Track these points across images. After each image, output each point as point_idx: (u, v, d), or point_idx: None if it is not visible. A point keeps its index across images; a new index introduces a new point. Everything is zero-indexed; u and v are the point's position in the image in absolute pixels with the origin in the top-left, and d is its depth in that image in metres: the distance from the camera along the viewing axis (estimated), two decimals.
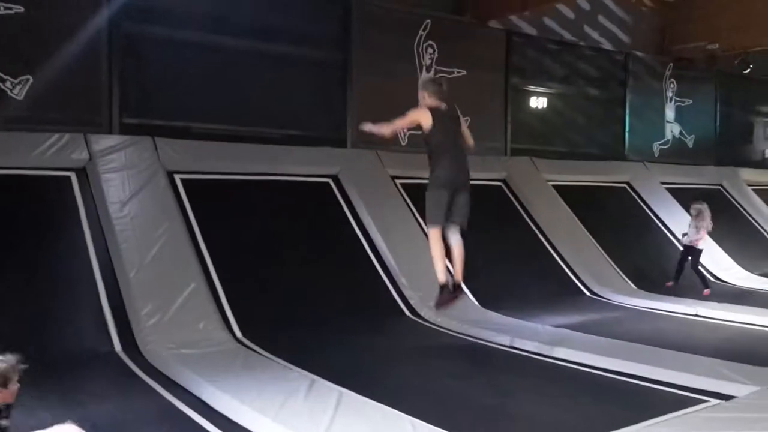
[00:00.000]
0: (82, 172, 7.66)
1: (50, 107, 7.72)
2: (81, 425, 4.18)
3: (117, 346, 6.41)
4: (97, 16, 7.99)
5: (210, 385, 5.16)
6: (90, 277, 6.88)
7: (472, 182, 10.49)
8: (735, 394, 5.14)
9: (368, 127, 5.61)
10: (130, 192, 7.48)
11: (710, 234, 12.05)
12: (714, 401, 5.09)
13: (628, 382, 5.74)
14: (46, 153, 7.47)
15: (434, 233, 5.18)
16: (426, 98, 5.40)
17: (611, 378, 5.87)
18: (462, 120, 5.37)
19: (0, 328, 5.81)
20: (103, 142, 7.83)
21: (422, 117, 5.26)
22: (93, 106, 8.08)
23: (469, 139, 5.74)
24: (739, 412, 4.61)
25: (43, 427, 3.50)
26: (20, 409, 3.73)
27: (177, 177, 8.17)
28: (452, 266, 5.24)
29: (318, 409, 4.68)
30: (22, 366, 3.55)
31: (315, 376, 5.45)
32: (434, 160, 5.34)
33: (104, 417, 4.76)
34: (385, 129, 5.51)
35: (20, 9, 7.52)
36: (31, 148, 7.40)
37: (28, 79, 7.61)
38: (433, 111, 5.31)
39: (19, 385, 3.55)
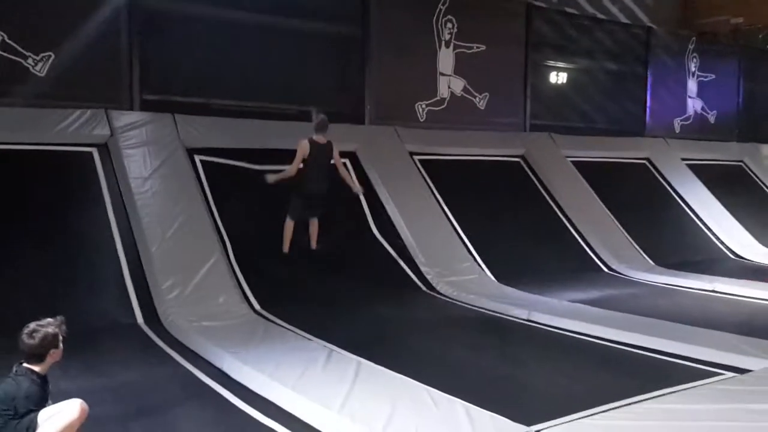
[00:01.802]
0: (103, 148, 7.76)
1: (72, 84, 7.82)
2: (103, 394, 4.30)
3: (139, 318, 6.56)
4: None
5: (230, 356, 5.27)
6: (112, 251, 7.02)
7: (490, 158, 10.66)
8: (751, 368, 5.15)
9: (272, 178, 7.28)
10: (151, 167, 7.59)
11: (730, 210, 12.00)
12: (729, 374, 5.12)
13: (644, 355, 5.78)
14: (68, 129, 7.58)
15: (289, 224, 7.32)
16: (313, 134, 7.26)
17: (627, 351, 5.90)
18: (336, 155, 7.48)
19: (24, 300, 5.96)
20: (124, 118, 7.92)
21: (304, 150, 7.16)
22: (114, 83, 8.16)
23: (349, 181, 7.83)
24: (754, 386, 4.64)
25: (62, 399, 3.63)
26: None
27: (196, 154, 8.24)
28: (311, 237, 7.48)
29: (336, 378, 4.77)
30: (64, 327, 3.67)
31: (333, 347, 5.55)
32: (304, 176, 7.20)
33: (126, 387, 4.89)
34: (288, 172, 7.22)
35: None
36: (53, 124, 7.52)
37: (50, 56, 7.70)
38: (312, 144, 7.20)
39: (62, 344, 3.67)
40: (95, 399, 4.46)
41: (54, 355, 3.62)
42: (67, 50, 7.76)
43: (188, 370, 5.29)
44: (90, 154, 7.71)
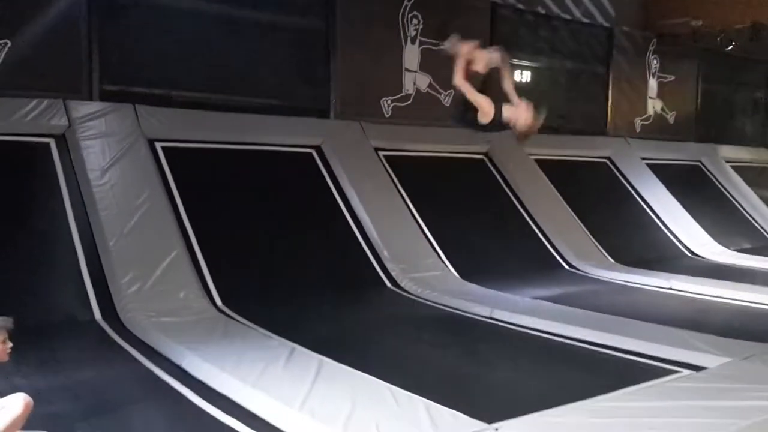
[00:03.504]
0: (61, 139, 7.57)
1: (29, 72, 7.59)
2: (58, 392, 4.19)
3: (97, 314, 6.41)
4: None
5: (190, 352, 5.20)
6: (69, 246, 6.85)
7: (454, 155, 10.69)
8: (706, 365, 5.25)
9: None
10: (110, 159, 7.43)
11: (687, 209, 12.25)
12: (686, 372, 5.20)
13: (603, 352, 5.85)
14: (25, 119, 7.36)
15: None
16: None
17: (587, 348, 5.98)
18: None
19: None
20: (83, 108, 7.73)
21: None
22: (72, 72, 7.95)
23: None
24: (709, 383, 4.73)
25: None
26: None
27: (158, 145, 8.11)
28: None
29: (298, 376, 4.73)
30: (9, 326, 3.55)
31: (295, 345, 5.49)
32: None
33: (83, 385, 4.78)
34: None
35: None
36: (8, 113, 7.30)
37: (5, 44, 7.47)
38: None
39: (11, 344, 3.56)
40: (50, 397, 4.39)
41: None
42: (24, 38, 7.54)
43: (147, 367, 5.19)
44: (47, 144, 7.51)
